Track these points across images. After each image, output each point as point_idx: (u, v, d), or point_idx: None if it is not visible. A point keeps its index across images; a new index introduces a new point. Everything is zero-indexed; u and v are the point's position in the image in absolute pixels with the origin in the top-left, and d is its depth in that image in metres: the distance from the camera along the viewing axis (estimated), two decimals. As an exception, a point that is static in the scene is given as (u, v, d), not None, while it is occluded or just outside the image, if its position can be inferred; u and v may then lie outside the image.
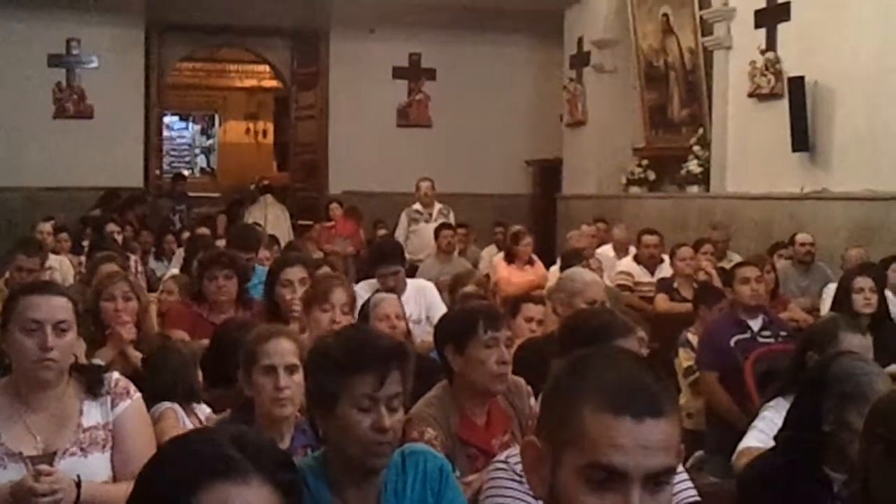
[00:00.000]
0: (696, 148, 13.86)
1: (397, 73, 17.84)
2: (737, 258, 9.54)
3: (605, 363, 1.91)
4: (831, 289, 8.15)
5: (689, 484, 3.07)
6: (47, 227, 11.51)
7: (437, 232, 11.41)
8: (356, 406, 2.76)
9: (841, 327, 4.47)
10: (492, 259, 11.65)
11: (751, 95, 12.62)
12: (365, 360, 2.80)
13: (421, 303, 6.93)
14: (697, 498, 3.01)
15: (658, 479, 1.76)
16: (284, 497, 1.72)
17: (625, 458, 1.73)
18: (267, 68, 21.10)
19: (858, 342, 4.25)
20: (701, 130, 13.87)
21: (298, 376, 3.55)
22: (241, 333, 4.36)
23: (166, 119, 21.61)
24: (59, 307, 3.41)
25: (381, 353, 2.85)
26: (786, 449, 3.32)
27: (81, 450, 3.40)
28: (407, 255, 9.16)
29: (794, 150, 11.77)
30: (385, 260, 7.08)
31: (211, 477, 1.69)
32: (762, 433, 3.93)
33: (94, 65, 16.67)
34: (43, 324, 3.33)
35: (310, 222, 15.43)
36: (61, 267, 9.44)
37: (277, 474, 1.73)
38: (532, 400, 4.07)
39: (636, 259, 10.89)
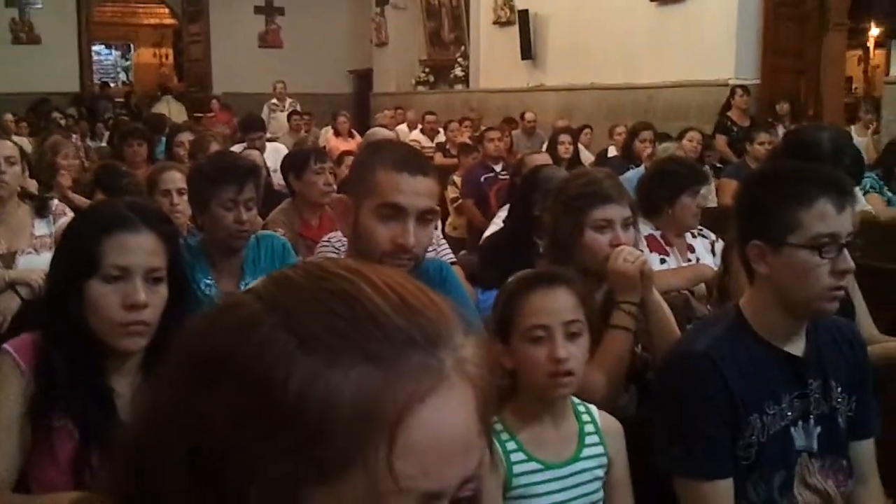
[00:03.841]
0: (459, 59, 13.77)
1: (257, 10, 16.96)
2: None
3: (392, 146, 1.92)
4: (545, 146, 8.31)
5: (450, 251, 3.11)
6: (10, 117, 10.72)
7: (289, 117, 11.24)
8: (222, 206, 2.67)
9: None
10: (326, 135, 11.46)
11: (494, 23, 12.56)
12: (228, 174, 2.70)
13: (276, 159, 6.79)
14: (454, 258, 3.04)
15: (425, 217, 1.79)
16: (165, 242, 1.66)
17: (405, 199, 1.75)
18: (166, 9, 19.77)
19: (555, 170, 4.34)
20: (463, 47, 13.75)
21: (185, 197, 3.41)
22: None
23: (95, 47, 20.03)
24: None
25: (240, 169, 2.75)
26: (511, 227, 3.38)
27: (35, 250, 3.21)
28: (269, 135, 8.99)
29: (522, 58, 11.86)
30: (253, 128, 6.94)
31: (111, 228, 1.61)
32: (496, 224, 4.00)
33: (39, 6, 15.36)
34: None
35: (201, 114, 14.78)
36: (23, 145, 8.81)
37: (160, 226, 1.67)
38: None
39: (422, 132, 10.88)
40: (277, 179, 6.08)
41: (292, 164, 3.88)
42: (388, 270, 0.69)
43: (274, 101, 12.98)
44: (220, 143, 5.28)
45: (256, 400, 0.62)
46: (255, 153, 5.59)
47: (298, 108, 12.27)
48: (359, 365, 0.62)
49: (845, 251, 1.70)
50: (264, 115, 12.45)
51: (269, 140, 8.05)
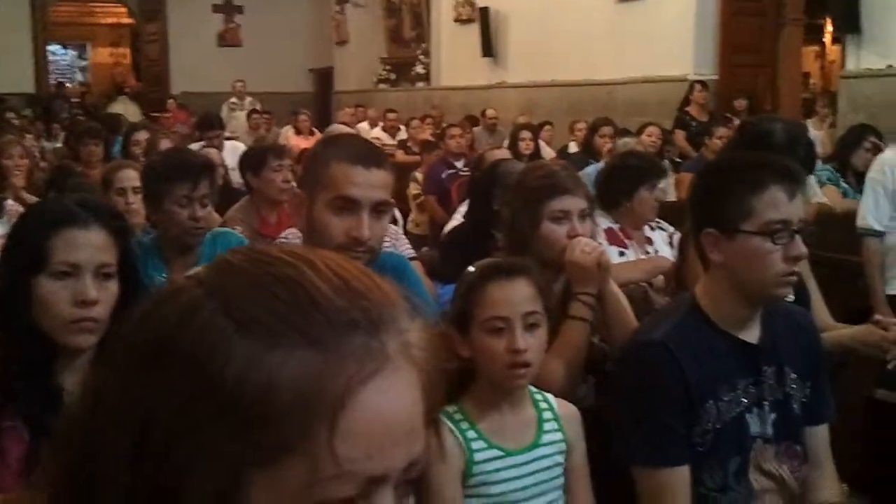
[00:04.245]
0: (421, 56, 13.74)
1: (216, 8, 16.81)
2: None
3: (345, 139, 1.92)
4: (506, 142, 8.35)
5: (410, 247, 3.11)
6: (-39, 117, 10.55)
7: (248, 115, 11.14)
8: (176, 203, 2.63)
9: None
10: (287, 133, 11.39)
11: (455, 21, 12.57)
12: (182, 171, 2.67)
13: (235, 155, 6.75)
14: (414, 254, 3.04)
15: (379, 209, 1.78)
16: (116, 237, 1.63)
17: (359, 191, 1.75)
18: (124, 9, 19.47)
19: (514, 164, 4.36)
20: (424, 45, 13.72)
21: (140, 196, 3.37)
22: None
23: (51, 47, 19.66)
24: None
25: (194, 166, 2.72)
26: (471, 221, 3.39)
27: None
28: (228, 134, 8.92)
29: (483, 55, 11.89)
30: (210, 126, 6.86)
31: (60, 224, 1.58)
32: (456, 220, 4.00)
33: (-8, 7, 15.15)
34: None
35: (158, 114, 14.60)
36: (-26, 145, 8.66)
37: (111, 222, 1.63)
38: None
39: (383, 129, 10.89)
40: (236, 178, 6.05)
41: (250, 162, 3.86)
42: (333, 255, 0.68)
43: (233, 100, 12.88)
44: (174, 140, 5.23)
45: (197, 385, 0.61)
46: (212, 151, 5.55)
47: (258, 108, 12.17)
48: (299, 348, 0.61)
49: (797, 237, 1.73)
50: (223, 114, 12.36)
51: (228, 139, 7.99)
